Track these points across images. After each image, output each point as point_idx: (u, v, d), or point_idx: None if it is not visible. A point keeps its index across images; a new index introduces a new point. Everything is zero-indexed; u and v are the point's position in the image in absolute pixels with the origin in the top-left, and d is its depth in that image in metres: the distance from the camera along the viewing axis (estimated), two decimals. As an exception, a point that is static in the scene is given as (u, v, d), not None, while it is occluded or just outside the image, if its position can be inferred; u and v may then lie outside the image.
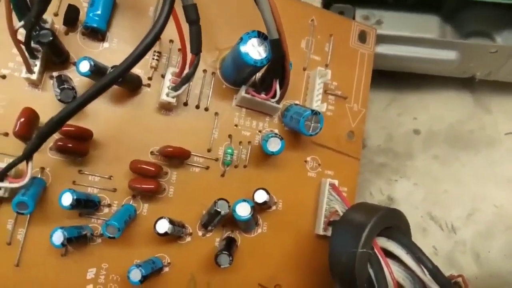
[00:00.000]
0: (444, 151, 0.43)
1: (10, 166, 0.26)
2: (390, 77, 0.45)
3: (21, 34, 0.27)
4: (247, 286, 0.33)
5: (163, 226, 0.28)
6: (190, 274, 0.31)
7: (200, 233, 0.32)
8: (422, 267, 0.28)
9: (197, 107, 0.33)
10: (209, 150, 0.33)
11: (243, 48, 0.29)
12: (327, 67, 0.36)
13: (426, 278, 0.28)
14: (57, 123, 0.24)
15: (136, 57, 0.24)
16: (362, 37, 0.39)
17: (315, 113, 0.32)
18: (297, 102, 0.36)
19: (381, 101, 0.45)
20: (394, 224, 0.30)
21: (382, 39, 0.40)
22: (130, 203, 0.31)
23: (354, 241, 0.28)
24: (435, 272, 0.28)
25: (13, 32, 0.26)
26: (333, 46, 0.37)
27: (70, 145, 0.28)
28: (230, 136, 0.34)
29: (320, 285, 0.34)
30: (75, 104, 0.25)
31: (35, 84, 0.30)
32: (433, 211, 0.41)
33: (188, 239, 0.32)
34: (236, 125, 0.34)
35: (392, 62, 0.41)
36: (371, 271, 0.28)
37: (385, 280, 0.27)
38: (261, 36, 0.29)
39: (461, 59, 0.41)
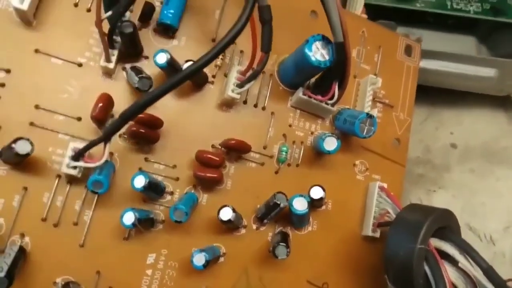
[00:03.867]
0: (480, 165, 0.44)
1: (90, 146, 0.27)
2: (426, 93, 0.47)
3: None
4: (296, 282, 0.33)
5: (227, 213, 0.29)
6: (243, 266, 0.32)
7: (254, 227, 0.33)
8: (476, 267, 0.29)
9: (255, 106, 0.35)
10: (264, 147, 0.34)
11: (308, 50, 0.31)
12: (376, 76, 0.38)
13: (481, 277, 0.28)
14: (142, 106, 0.26)
15: (223, 45, 0.26)
16: (408, 50, 0.40)
17: (369, 116, 0.33)
18: (348, 107, 0.37)
19: (419, 116, 0.47)
20: (447, 224, 0.31)
21: (425, 54, 0.42)
22: (192, 192, 0.32)
23: (412, 238, 0.29)
24: (490, 272, 0.28)
25: (100, 22, 0.28)
26: (381, 57, 0.39)
27: (143, 130, 0.29)
28: (284, 135, 0.35)
29: (367, 285, 0.35)
30: (161, 89, 0.26)
31: (109, 74, 0.31)
32: (471, 222, 0.41)
33: (243, 231, 0.33)
34: (290, 125, 0.35)
35: (434, 77, 0.43)
36: (426, 268, 0.29)
37: (443, 276, 0.28)
38: (325, 39, 0.31)
39: (500, 77, 0.43)
